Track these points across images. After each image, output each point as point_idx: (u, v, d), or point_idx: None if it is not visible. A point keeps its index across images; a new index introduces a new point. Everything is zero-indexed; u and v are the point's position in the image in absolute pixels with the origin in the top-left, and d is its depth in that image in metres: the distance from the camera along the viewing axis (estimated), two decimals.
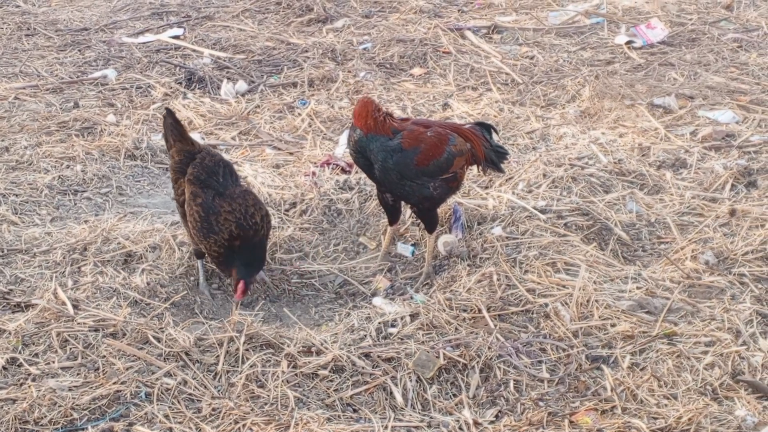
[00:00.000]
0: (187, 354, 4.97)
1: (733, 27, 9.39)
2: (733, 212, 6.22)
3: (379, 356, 4.96)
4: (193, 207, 5.42)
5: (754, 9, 9.80)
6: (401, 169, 5.53)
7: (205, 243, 5.43)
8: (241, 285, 5.46)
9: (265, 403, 4.71)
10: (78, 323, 5.15)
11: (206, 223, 5.37)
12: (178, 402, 4.70)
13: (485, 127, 6.04)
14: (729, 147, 7.12)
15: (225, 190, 5.45)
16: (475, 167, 6.03)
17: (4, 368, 4.88)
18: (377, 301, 5.57)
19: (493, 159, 5.97)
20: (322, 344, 5.03)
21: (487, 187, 6.61)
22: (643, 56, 8.80)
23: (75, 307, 5.28)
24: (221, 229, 5.35)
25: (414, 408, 4.75)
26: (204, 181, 5.46)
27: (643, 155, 7.04)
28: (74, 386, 4.77)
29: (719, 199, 6.48)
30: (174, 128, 5.63)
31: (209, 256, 5.56)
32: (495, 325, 5.22)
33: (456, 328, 5.20)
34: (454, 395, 4.83)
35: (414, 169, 5.55)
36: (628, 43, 9.07)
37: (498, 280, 5.54)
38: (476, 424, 4.62)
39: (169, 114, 5.66)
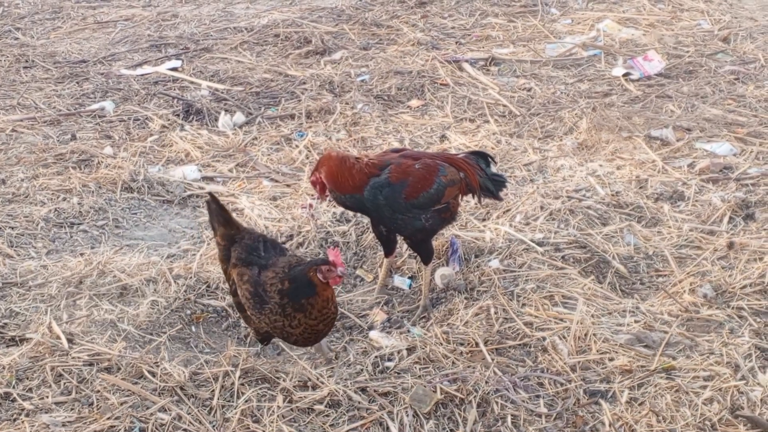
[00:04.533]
0: (182, 389, 4.93)
1: (730, 59, 9.41)
2: (731, 245, 6.20)
3: (375, 391, 4.93)
4: (242, 287, 5.17)
5: (751, 41, 9.82)
6: (391, 203, 5.50)
7: (264, 318, 5.11)
8: (333, 254, 5.01)
9: None
10: (72, 358, 5.11)
11: (257, 297, 5.09)
12: None
13: (481, 156, 5.97)
14: (726, 179, 7.11)
15: (267, 262, 5.18)
16: (471, 196, 5.98)
17: None
18: (374, 334, 5.54)
19: (490, 187, 5.88)
20: (318, 378, 4.99)
21: (484, 220, 6.59)
22: (640, 88, 8.81)
23: (70, 341, 5.25)
24: (271, 295, 5.06)
25: None
26: (245, 259, 5.22)
27: (640, 187, 7.03)
28: (68, 422, 4.73)
29: (717, 231, 6.47)
30: (219, 214, 5.35)
31: (276, 333, 5.20)
32: (492, 359, 5.19)
33: (453, 362, 5.17)
34: (452, 430, 4.79)
35: (404, 203, 5.52)
36: (626, 75, 9.08)
37: (495, 313, 5.51)
38: None
39: (213, 200, 5.37)
